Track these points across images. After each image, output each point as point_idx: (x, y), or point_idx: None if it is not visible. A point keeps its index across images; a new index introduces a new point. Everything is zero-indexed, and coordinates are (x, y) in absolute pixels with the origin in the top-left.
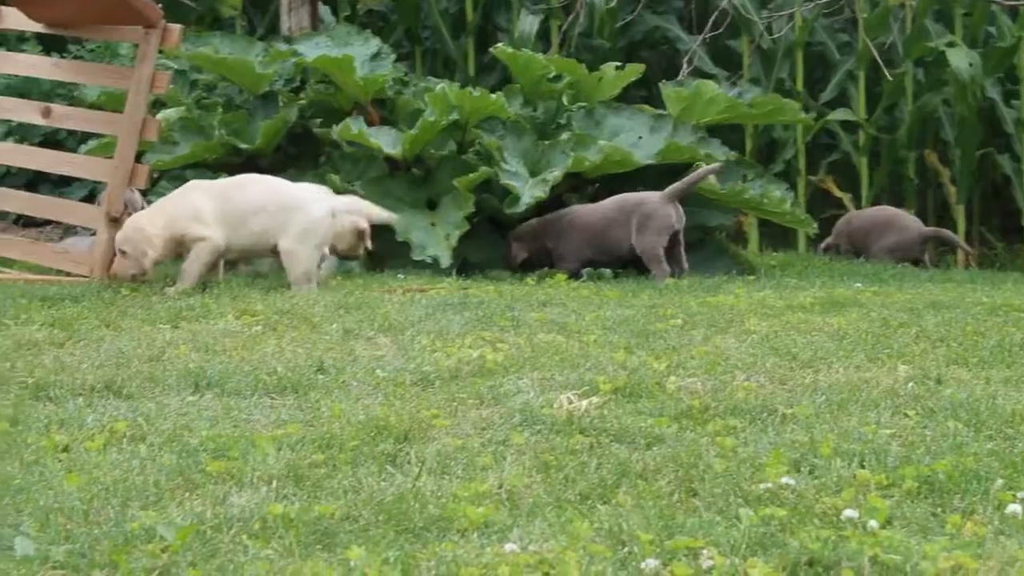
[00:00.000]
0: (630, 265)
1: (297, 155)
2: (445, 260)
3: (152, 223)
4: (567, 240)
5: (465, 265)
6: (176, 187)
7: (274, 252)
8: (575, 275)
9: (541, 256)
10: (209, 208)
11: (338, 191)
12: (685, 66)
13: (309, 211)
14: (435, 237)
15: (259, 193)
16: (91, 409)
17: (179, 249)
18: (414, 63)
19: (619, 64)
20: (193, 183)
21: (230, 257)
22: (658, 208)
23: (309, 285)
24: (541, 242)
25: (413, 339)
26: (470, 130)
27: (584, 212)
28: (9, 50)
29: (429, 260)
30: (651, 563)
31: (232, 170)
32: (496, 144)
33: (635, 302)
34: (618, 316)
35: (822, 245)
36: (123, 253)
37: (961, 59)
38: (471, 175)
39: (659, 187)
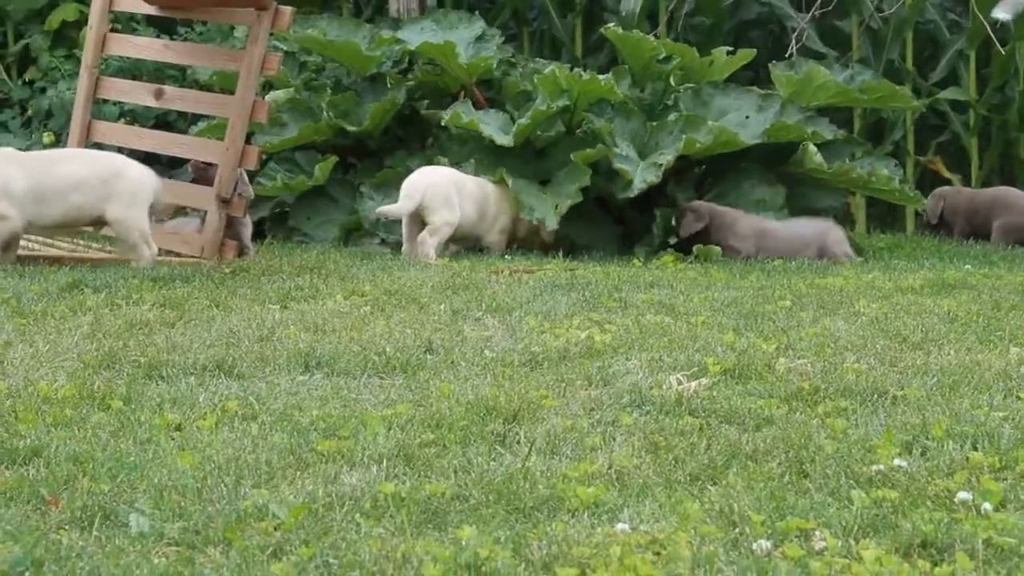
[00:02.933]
0: None
1: (404, 136)
2: (551, 223)
3: None
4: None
5: (572, 247)
6: (285, 169)
7: (96, 223)
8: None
9: (703, 237)
10: (21, 185)
11: None
12: (794, 44)
13: (131, 176)
14: (544, 203)
15: (78, 167)
16: (203, 388)
17: None
18: (521, 44)
19: (730, 49)
20: (6, 152)
21: (43, 233)
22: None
23: (148, 249)
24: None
25: (521, 320)
26: (578, 112)
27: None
28: (121, 32)
29: (535, 220)
30: (763, 544)
31: (341, 151)
32: (607, 128)
33: (743, 284)
34: (726, 297)
35: (926, 220)
36: None
37: None
38: (588, 151)
39: (764, 168)
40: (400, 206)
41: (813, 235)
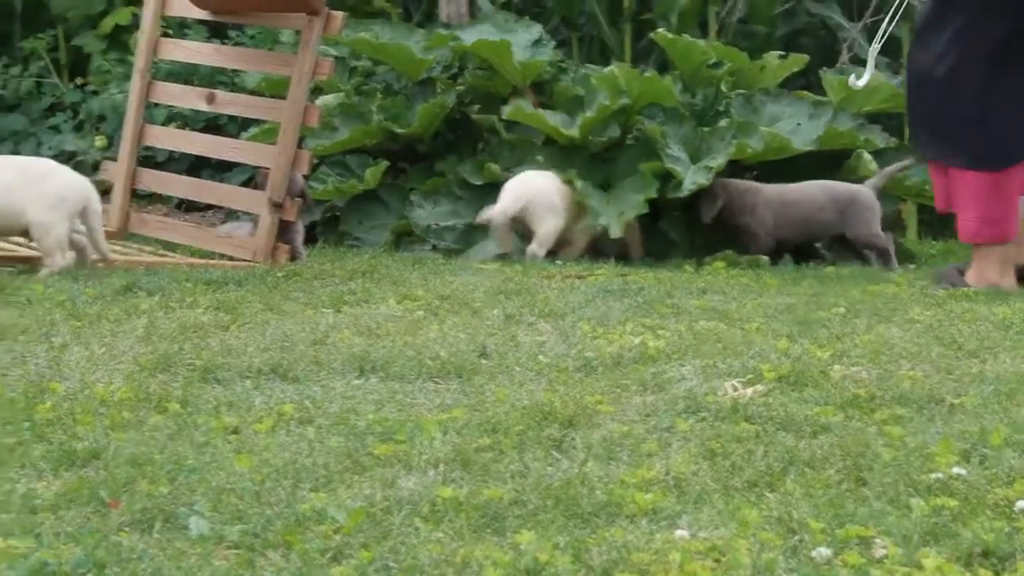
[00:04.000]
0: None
1: (455, 141)
2: (615, 231)
3: None
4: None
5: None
6: (337, 173)
7: (25, 233)
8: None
9: (727, 218)
10: None
11: (500, 180)
12: (845, 52)
13: (57, 179)
14: (609, 209)
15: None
16: (258, 391)
17: None
18: (571, 50)
19: (782, 53)
20: None
21: None
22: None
23: (63, 256)
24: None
25: (574, 325)
26: (634, 116)
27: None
28: (172, 36)
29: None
30: (822, 551)
31: (392, 155)
32: (659, 130)
33: (795, 290)
34: (779, 304)
35: None
36: None
37: None
38: (655, 161)
39: (817, 176)
40: (504, 208)
41: (828, 200)
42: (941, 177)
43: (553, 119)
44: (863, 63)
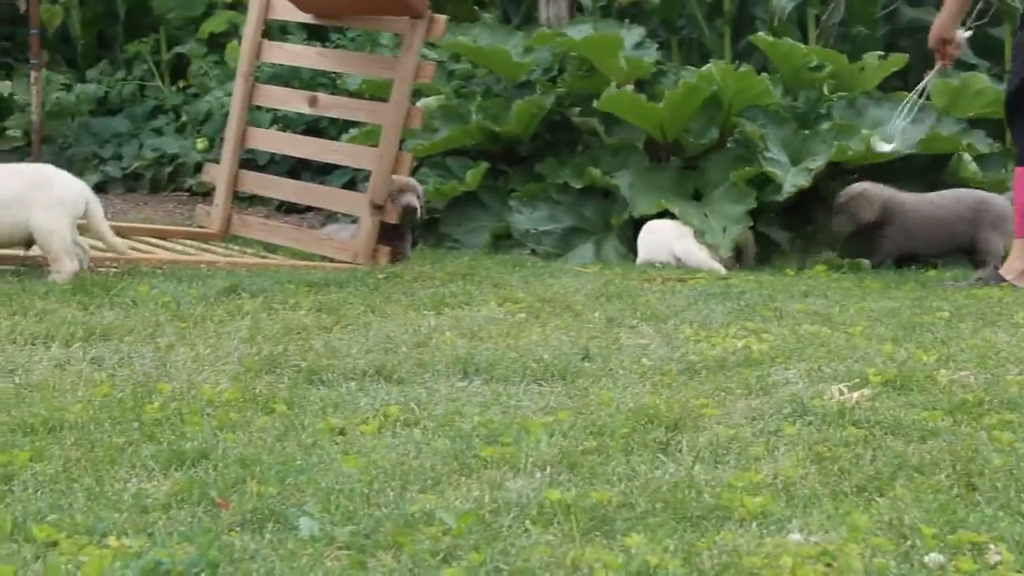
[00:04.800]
0: None
1: (554, 143)
2: (725, 250)
3: None
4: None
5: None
6: (437, 174)
7: (28, 244)
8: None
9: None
10: None
11: (600, 185)
12: None
13: (57, 185)
14: (711, 227)
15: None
16: (363, 393)
17: None
18: (670, 52)
19: (882, 54)
20: None
21: None
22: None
23: (70, 262)
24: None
25: (676, 328)
26: (731, 117)
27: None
28: (273, 39)
29: (707, 242)
30: (935, 557)
31: (492, 157)
32: (759, 133)
33: (898, 294)
34: (882, 308)
35: None
36: None
37: None
38: (746, 169)
39: (919, 179)
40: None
41: (966, 209)
42: None
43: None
44: (965, 65)
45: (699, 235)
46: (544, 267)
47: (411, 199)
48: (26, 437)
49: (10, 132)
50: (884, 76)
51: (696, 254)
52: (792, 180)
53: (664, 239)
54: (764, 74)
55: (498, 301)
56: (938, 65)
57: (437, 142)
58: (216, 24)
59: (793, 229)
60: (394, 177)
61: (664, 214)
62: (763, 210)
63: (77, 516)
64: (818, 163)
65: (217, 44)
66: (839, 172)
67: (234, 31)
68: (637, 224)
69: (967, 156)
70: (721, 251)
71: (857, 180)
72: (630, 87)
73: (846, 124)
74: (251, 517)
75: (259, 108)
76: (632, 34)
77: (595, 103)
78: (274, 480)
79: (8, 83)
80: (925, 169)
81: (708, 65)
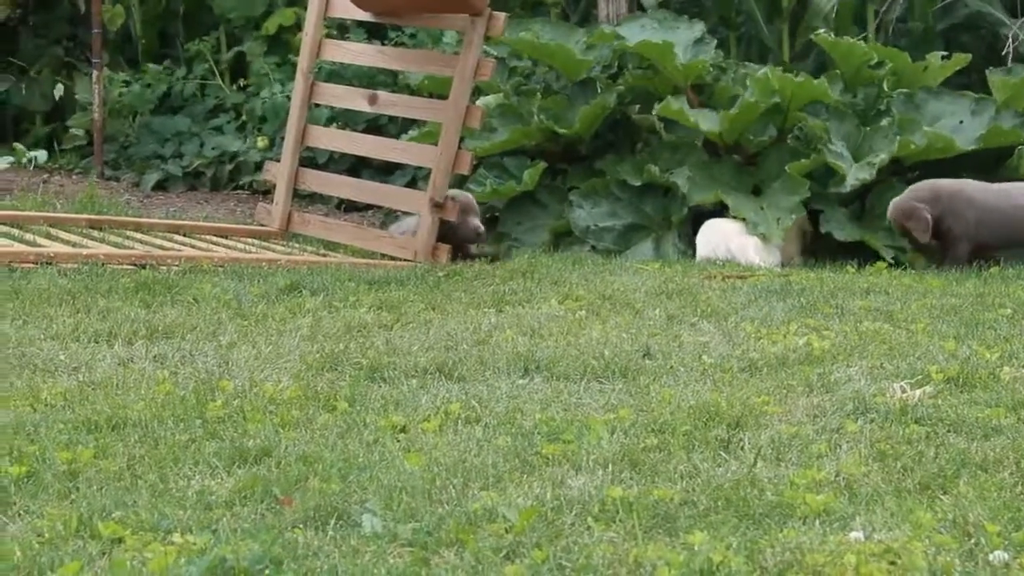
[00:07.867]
0: None
1: (614, 141)
2: (777, 239)
3: None
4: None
5: None
6: (495, 175)
7: None
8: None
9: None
10: None
11: (658, 182)
12: (1010, 44)
13: None
14: (766, 219)
15: None
16: (424, 391)
17: None
18: (728, 49)
19: (945, 54)
20: None
21: None
22: None
23: None
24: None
25: (737, 326)
26: (791, 115)
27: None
28: (331, 37)
29: (760, 232)
30: (1000, 555)
31: (550, 156)
32: (822, 126)
33: (960, 291)
34: (944, 305)
35: None
36: None
37: None
38: (803, 161)
39: (980, 173)
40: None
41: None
42: None
43: (694, 116)
44: None
45: (752, 227)
46: (604, 264)
47: (476, 222)
48: (90, 434)
49: (73, 131)
50: (947, 75)
51: (750, 254)
52: (856, 174)
53: (723, 236)
54: (822, 77)
55: (558, 299)
56: None
57: (496, 143)
58: (284, 18)
59: (856, 224)
60: (451, 193)
61: (721, 207)
62: (824, 201)
63: (142, 513)
64: (881, 157)
65: (278, 42)
66: (900, 169)
67: (299, 26)
68: (696, 221)
69: None
70: (775, 240)
71: (919, 178)
72: (678, 102)
73: (907, 118)
74: (314, 514)
75: (318, 106)
76: (693, 29)
77: (655, 108)
78: (336, 477)
79: (62, 86)
80: (984, 163)
81: (764, 70)
